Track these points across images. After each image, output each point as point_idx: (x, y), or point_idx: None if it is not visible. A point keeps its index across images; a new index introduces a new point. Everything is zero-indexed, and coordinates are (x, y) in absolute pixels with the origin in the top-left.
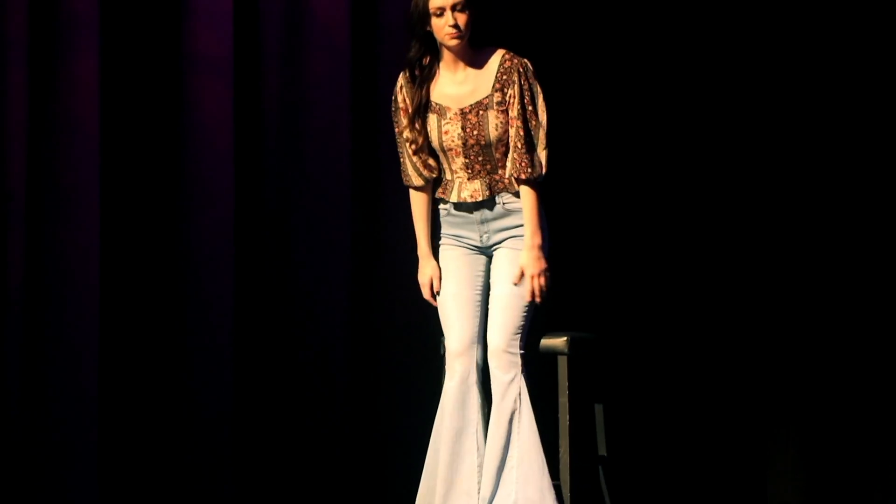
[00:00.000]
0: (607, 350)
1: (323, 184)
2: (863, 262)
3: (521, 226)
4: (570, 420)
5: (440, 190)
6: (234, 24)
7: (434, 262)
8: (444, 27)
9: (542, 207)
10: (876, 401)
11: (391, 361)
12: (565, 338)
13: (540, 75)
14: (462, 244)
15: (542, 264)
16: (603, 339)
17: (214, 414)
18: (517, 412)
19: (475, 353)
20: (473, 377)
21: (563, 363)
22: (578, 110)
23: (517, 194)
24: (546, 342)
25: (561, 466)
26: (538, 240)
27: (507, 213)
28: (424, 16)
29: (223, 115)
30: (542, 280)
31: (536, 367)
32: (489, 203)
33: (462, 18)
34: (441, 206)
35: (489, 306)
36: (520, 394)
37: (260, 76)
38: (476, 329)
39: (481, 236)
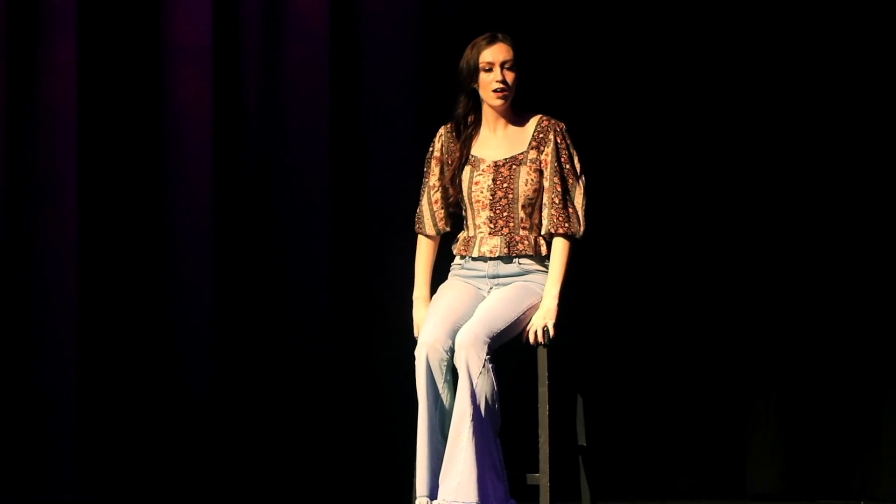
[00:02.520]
0: (587, 340)
1: (303, 170)
2: (836, 248)
3: (532, 277)
4: (549, 410)
5: (462, 246)
6: (213, 12)
7: (427, 303)
8: (491, 83)
9: (570, 264)
10: (853, 388)
11: (373, 349)
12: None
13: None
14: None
15: (553, 316)
16: (583, 330)
17: (195, 402)
18: (477, 401)
19: (443, 347)
20: (440, 366)
21: (542, 354)
22: (568, 113)
23: (535, 258)
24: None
25: (540, 457)
26: (556, 290)
27: (523, 272)
28: (474, 71)
29: (202, 104)
30: (544, 328)
31: (515, 358)
32: (505, 259)
33: (510, 76)
34: (455, 261)
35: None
36: (481, 384)
37: (239, 64)
38: (451, 330)
39: (490, 289)
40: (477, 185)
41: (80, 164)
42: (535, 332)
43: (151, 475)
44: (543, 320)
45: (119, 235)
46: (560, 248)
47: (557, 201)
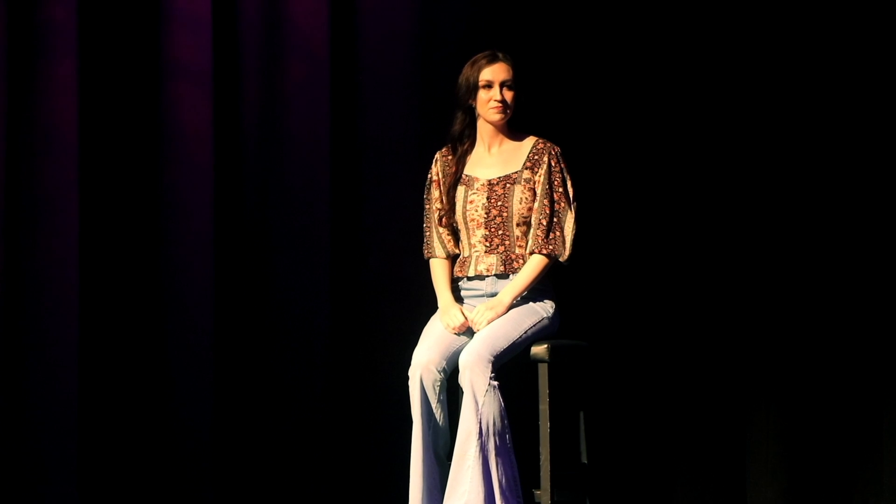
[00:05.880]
0: (589, 357)
1: (303, 192)
2: (835, 262)
3: (529, 296)
4: (550, 428)
5: (457, 268)
6: (213, 32)
7: (459, 306)
8: (489, 100)
9: (542, 282)
10: (854, 405)
11: (372, 366)
12: (546, 345)
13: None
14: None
15: (488, 319)
16: (584, 346)
17: (195, 421)
18: (483, 420)
19: (437, 368)
20: (434, 387)
21: (543, 370)
22: (566, 113)
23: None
24: None
25: (542, 474)
26: (508, 301)
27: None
28: (473, 88)
29: (202, 123)
30: (479, 323)
31: (518, 374)
32: (502, 277)
33: (509, 95)
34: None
35: None
36: (487, 404)
37: (239, 84)
38: (445, 351)
39: None
40: (472, 204)
41: (80, 182)
42: (473, 320)
43: (152, 493)
44: (488, 311)
45: (120, 254)
46: (536, 261)
47: (544, 223)
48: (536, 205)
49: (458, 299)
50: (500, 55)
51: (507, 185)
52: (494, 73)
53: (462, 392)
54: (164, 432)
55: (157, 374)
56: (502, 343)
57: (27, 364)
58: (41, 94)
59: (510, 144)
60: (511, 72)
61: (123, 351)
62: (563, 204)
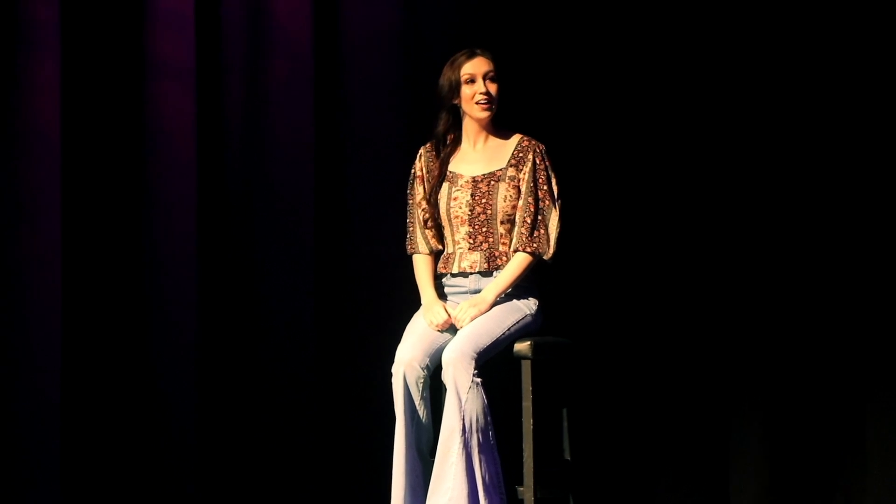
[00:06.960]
0: (572, 354)
1: (287, 189)
2: (818, 263)
3: (513, 293)
4: (533, 425)
5: (441, 264)
6: (196, 31)
7: (443, 303)
8: (474, 95)
9: (526, 280)
10: (837, 404)
11: (357, 364)
12: (529, 342)
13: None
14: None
15: (471, 316)
16: (567, 344)
17: (179, 420)
18: (466, 417)
19: (420, 365)
20: (417, 384)
21: (526, 367)
22: (551, 111)
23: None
24: None
25: (525, 471)
26: (492, 298)
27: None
28: (456, 86)
29: (186, 121)
30: (462, 320)
31: (502, 371)
32: (486, 274)
33: (493, 88)
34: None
35: None
36: (470, 401)
37: (222, 83)
38: (429, 348)
39: None
40: (455, 201)
41: (63, 182)
42: (459, 319)
43: (135, 493)
44: (471, 308)
45: (103, 253)
46: (520, 259)
47: (529, 221)
48: (521, 202)
49: (442, 296)
50: (479, 50)
51: (492, 183)
52: (475, 66)
53: (445, 389)
54: (148, 431)
55: (140, 372)
56: (485, 340)
57: (9, 362)
58: (24, 93)
59: (495, 142)
60: (492, 64)
61: (106, 349)
62: (547, 202)
